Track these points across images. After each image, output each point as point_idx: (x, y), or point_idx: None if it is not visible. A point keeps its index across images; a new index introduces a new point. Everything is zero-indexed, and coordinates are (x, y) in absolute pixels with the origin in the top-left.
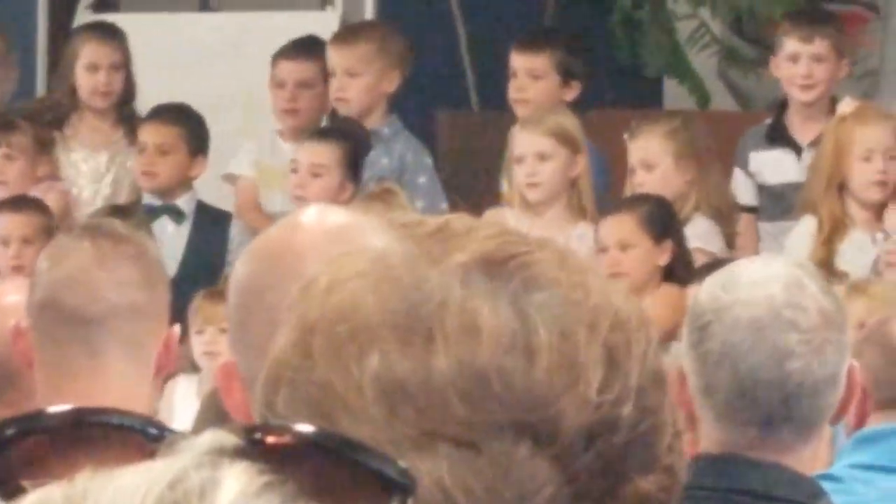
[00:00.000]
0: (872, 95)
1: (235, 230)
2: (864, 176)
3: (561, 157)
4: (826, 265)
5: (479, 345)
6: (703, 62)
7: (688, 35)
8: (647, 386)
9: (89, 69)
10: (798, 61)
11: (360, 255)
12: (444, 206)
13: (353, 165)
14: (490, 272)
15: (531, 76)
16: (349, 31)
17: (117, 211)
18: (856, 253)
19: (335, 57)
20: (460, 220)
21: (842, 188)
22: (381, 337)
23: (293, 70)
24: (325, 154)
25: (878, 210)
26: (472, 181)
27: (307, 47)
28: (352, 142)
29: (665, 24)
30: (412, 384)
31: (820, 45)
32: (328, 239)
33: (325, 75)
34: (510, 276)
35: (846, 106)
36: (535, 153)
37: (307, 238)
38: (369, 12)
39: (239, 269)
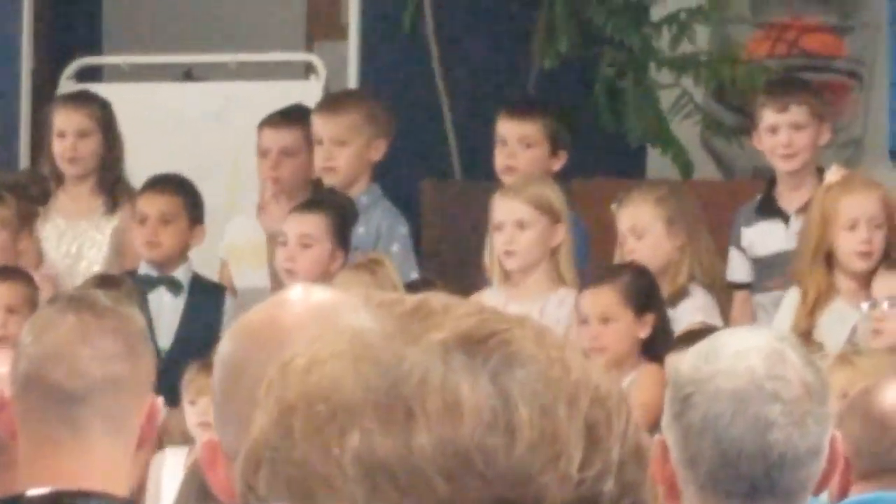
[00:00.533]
0: (855, 164)
1: (230, 303)
2: (849, 245)
3: (540, 226)
4: (807, 336)
5: (461, 422)
6: (686, 131)
7: (671, 104)
8: (629, 461)
9: (58, 136)
10: (777, 132)
11: (339, 334)
12: (415, 275)
13: (342, 234)
14: (469, 350)
15: (523, 144)
16: (336, 100)
17: (105, 281)
18: (834, 324)
19: (322, 125)
20: (438, 297)
21: (829, 258)
22: (362, 416)
23: (277, 138)
24: (313, 224)
25: (865, 279)
26: (456, 250)
27: (291, 115)
28: (339, 211)
29: (648, 93)
30: (393, 463)
31: (796, 113)
32: (314, 317)
33: (310, 143)
34: (490, 353)
35: (833, 174)
36: (514, 221)
37: (293, 316)
38: (353, 82)
39: (224, 345)
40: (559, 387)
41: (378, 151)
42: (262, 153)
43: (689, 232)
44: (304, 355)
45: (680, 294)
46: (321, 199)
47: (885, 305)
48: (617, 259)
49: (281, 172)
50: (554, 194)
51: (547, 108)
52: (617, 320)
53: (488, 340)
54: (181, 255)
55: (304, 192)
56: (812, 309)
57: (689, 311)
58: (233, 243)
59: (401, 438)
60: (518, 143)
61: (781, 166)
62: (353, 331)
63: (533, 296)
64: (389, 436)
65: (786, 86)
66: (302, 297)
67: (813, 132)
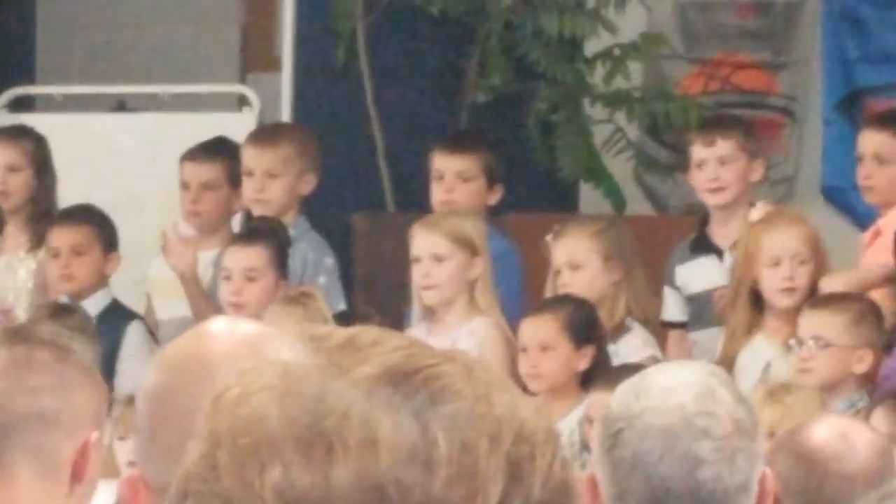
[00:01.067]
0: (788, 201)
1: (134, 331)
2: (772, 282)
3: (457, 259)
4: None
5: (378, 457)
6: (619, 166)
7: (604, 139)
8: (553, 499)
9: None
10: (705, 166)
11: (269, 367)
12: (342, 307)
13: (283, 263)
14: (396, 385)
15: (461, 178)
16: (270, 132)
17: (59, 311)
18: (749, 361)
19: (255, 157)
20: (369, 332)
21: (757, 294)
22: (284, 450)
23: (197, 172)
24: (256, 256)
25: (790, 316)
26: (388, 283)
27: (212, 149)
28: (278, 240)
29: (581, 128)
30: (312, 497)
31: (723, 147)
32: (237, 348)
33: (231, 177)
34: (415, 388)
35: (758, 211)
36: (430, 255)
37: (216, 347)
38: (286, 114)
39: (148, 377)
40: (482, 423)
41: (308, 185)
42: (183, 186)
43: (625, 267)
44: (236, 388)
45: (620, 329)
46: (258, 229)
47: (810, 344)
48: (549, 292)
49: (201, 206)
50: (472, 227)
51: (483, 142)
52: (555, 349)
53: (414, 376)
54: (97, 285)
55: (226, 226)
56: (732, 346)
57: (637, 347)
58: (157, 276)
59: (320, 473)
60: (456, 177)
61: (709, 201)
62: (282, 364)
63: (448, 328)
64: (309, 470)
65: (715, 121)
66: (226, 328)
67: (741, 167)
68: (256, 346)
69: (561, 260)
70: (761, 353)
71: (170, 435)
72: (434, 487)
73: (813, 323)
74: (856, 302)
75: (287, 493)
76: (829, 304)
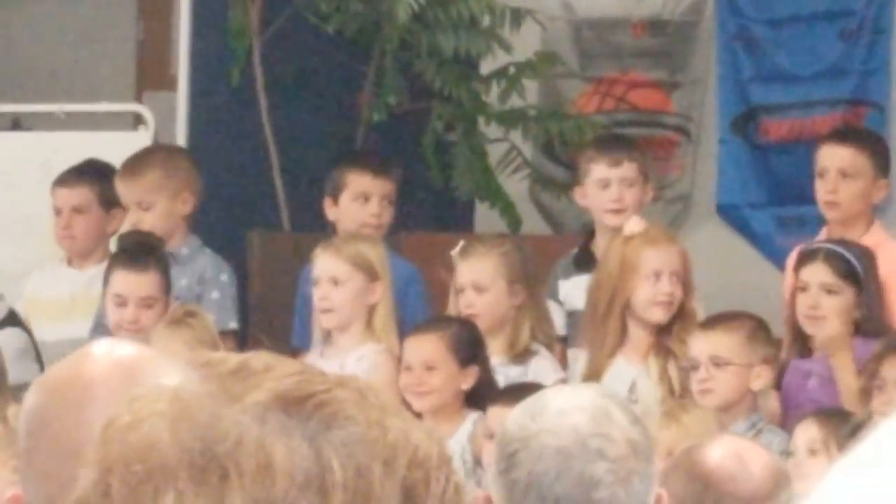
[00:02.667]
0: (683, 219)
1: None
2: (649, 295)
3: (357, 284)
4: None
5: (273, 483)
6: (515, 185)
7: (499, 158)
8: None
9: None
10: (608, 186)
11: (159, 393)
12: (234, 325)
13: (169, 283)
14: (288, 410)
15: (387, 200)
16: (133, 164)
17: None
18: (615, 382)
19: (124, 192)
20: (261, 358)
21: (624, 308)
22: (177, 477)
23: (68, 196)
24: (152, 285)
25: (650, 333)
26: (282, 301)
27: (81, 172)
28: (163, 260)
29: (476, 147)
30: None
31: (629, 169)
32: (118, 373)
33: (102, 199)
34: (308, 414)
35: (634, 225)
36: (329, 278)
37: (95, 370)
38: (181, 133)
39: (28, 399)
40: (376, 448)
41: (187, 204)
42: (56, 212)
43: (529, 290)
44: (127, 414)
45: (526, 353)
46: (146, 252)
47: (706, 365)
48: (452, 311)
49: (73, 231)
50: (373, 251)
51: (387, 163)
52: (440, 368)
53: (306, 401)
54: None
55: (102, 246)
56: (602, 359)
57: (549, 370)
58: (35, 296)
59: (215, 499)
60: (383, 199)
61: (609, 221)
62: (172, 391)
63: (339, 352)
64: (202, 497)
65: (619, 142)
66: (106, 351)
67: (640, 190)
68: (135, 368)
69: (466, 280)
70: (623, 372)
71: (44, 457)
72: None
73: (708, 344)
74: (746, 319)
75: None
76: (721, 324)
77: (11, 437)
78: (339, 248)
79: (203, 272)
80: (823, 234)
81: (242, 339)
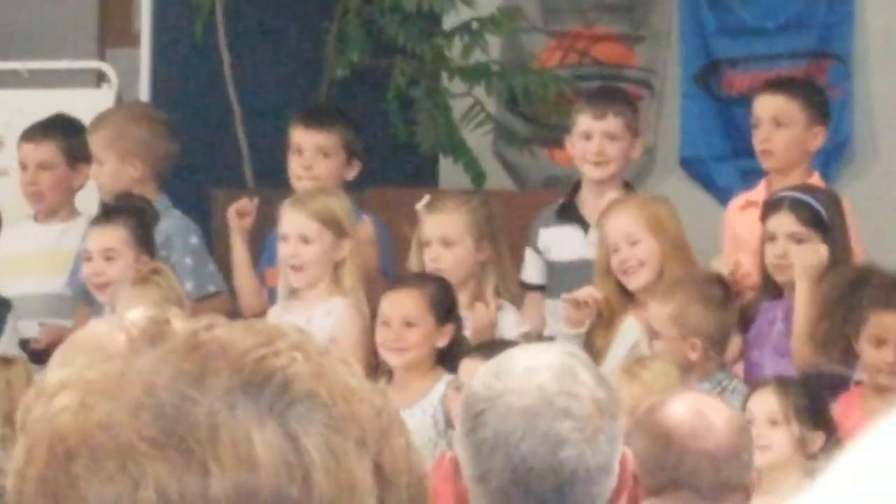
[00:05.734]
0: (647, 173)
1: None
2: (615, 264)
3: (325, 241)
4: (589, 350)
5: (257, 474)
6: (478, 140)
7: (462, 113)
8: (415, 492)
9: None
10: (591, 138)
11: (107, 370)
12: (212, 288)
13: (144, 239)
14: (254, 396)
15: (319, 153)
16: (96, 118)
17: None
18: (621, 341)
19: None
20: (210, 332)
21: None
22: (154, 464)
23: (33, 152)
24: (113, 237)
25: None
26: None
27: (47, 128)
28: (137, 216)
29: (440, 102)
30: None
31: (613, 123)
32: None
33: (69, 155)
34: (275, 397)
35: (604, 202)
36: (298, 235)
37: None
38: (144, 90)
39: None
40: (346, 427)
41: (136, 169)
42: (22, 167)
43: (494, 246)
44: (71, 389)
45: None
46: (116, 208)
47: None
48: (414, 263)
49: (40, 187)
50: (341, 208)
51: (342, 117)
52: (419, 325)
53: (270, 381)
54: None
55: (69, 202)
56: (608, 323)
57: (514, 323)
58: (10, 252)
59: (197, 490)
60: (315, 152)
61: (590, 173)
62: (124, 370)
63: (306, 306)
64: (184, 485)
65: (606, 94)
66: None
67: (625, 144)
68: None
69: (433, 234)
70: (630, 332)
71: None
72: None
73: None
74: (680, 292)
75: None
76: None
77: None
78: (307, 205)
79: (170, 234)
80: (761, 186)
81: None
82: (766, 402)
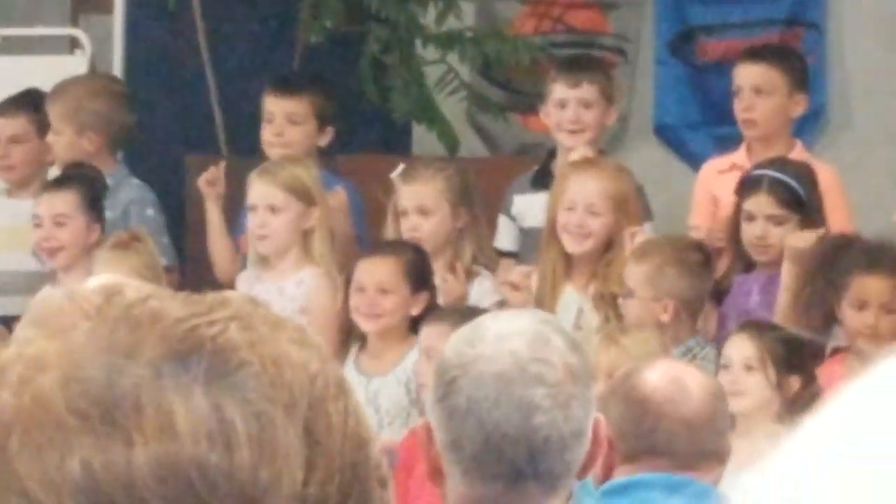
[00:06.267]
0: (621, 140)
1: None
2: (561, 225)
3: (293, 210)
4: None
5: (177, 442)
6: (452, 107)
7: (436, 80)
8: (351, 456)
9: None
10: (566, 107)
11: (48, 343)
12: (164, 261)
13: (95, 207)
14: (183, 362)
15: (290, 121)
16: (55, 88)
17: None
18: (562, 310)
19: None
20: (145, 302)
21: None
22: (80, 439)
23: (4, 126)
24: (64, 202)
25: (593, 262)
26: None
27: (19, 102)
28: (88, 184)
29: (413, 69)
30: (113, 488)
31: (587, 90)
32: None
33: (41, 129)
34: (203, 366)
35: (576, 153)
36: (266, 205)
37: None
38: (118, 57)
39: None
40: (275, 392)
41: (92, 143)
42: None
43: (471, 213)
44: (15, 364)
45: (468, 275)
46: (68, 175)
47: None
48: (391, 232)
49: (11, 160)
50: (309, 177)
51: (313, 85)
52: (393, 292)
53: (199, 350)
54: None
55: (40, 176)
56: (546, 288)
57: (489, 291)
58: None
59: (120, 461)
60: (285, 119)
61: (566, 142)
62: (61, 343)
63: (278, 276)
64: (108, 456)
65: (580, 62)
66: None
67: (600, 112)
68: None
69: (410, 203)
70: (571, 300)
71: None
72: (237, 474)
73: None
74: (657, 253)
75: (87, 484)
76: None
77: None
78: (274, 174)
79: (127, 204)
80: (742, 150)
81: (183, 272)
82: (741, 348)
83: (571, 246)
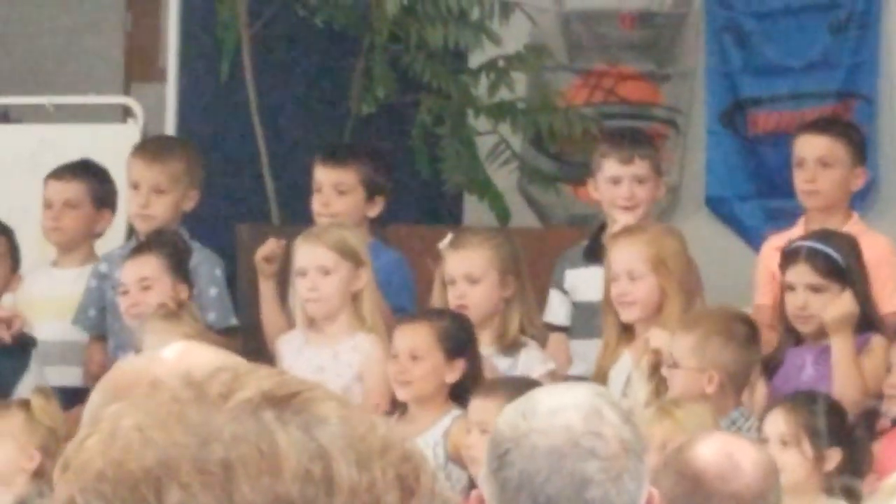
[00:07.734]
0: (672, 212)
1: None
2: (612, 295)
3: (344, 271)
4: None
5: (280, 474)
6: (504, 178)
7: (488, 151)
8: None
9: None
10: (619, 183)
11: (146, 400)
12: (234, 321)
13: (180, 269)
14: (277, 406)
15: (337, 191)
16: (157, 147)
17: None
18: (616, 375)
19: (142, 171)
20: (235, 366)
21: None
22: (179, 470)
23: (61, 189)
24: (149, 266)
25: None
26: None
27: (76, 169)
28: (171, 248)
29: (465, 139)
30: None
31: (640, 166)
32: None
33: (94, 198)
34: (297, 411)
35: (616, 226)
36: (316, 267)
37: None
38: (171, 125)
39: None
40: (368, 441)
41: (192, 201)
42: (46, 205)
43: (519, 283)
44: (108, 421)
45: (515, 345)
46: (149, 241)
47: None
48: (437, 302)
49: (62, 223)
50: (355, 238)
51: (362, 154)
52: (424, 358)
53: (293, 399)
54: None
55: (87, 245)
56: (607, 359)
57: (539, 360)
58: (30, 296)
59: (222, 491)
60: (332, 189)
61: (621, 218)
62: (161, 395)
63: (329, 340)
64: (210, 489)
65: (631, 138)
66: (178, 354)
67: (653, 186)
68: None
69: (458, 272)
70: (624, 367)
71: None
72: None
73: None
74: (704, 323)
75: None
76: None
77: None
78: (320, 237)
79: (195, 265)
80: (801, 223)
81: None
82: (776, 423)
83: (623, 316)
